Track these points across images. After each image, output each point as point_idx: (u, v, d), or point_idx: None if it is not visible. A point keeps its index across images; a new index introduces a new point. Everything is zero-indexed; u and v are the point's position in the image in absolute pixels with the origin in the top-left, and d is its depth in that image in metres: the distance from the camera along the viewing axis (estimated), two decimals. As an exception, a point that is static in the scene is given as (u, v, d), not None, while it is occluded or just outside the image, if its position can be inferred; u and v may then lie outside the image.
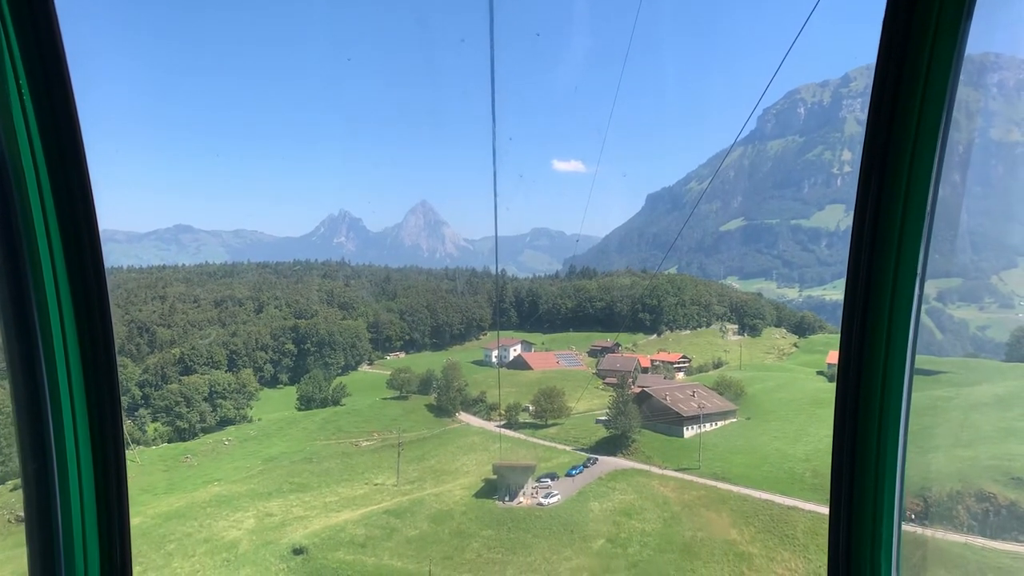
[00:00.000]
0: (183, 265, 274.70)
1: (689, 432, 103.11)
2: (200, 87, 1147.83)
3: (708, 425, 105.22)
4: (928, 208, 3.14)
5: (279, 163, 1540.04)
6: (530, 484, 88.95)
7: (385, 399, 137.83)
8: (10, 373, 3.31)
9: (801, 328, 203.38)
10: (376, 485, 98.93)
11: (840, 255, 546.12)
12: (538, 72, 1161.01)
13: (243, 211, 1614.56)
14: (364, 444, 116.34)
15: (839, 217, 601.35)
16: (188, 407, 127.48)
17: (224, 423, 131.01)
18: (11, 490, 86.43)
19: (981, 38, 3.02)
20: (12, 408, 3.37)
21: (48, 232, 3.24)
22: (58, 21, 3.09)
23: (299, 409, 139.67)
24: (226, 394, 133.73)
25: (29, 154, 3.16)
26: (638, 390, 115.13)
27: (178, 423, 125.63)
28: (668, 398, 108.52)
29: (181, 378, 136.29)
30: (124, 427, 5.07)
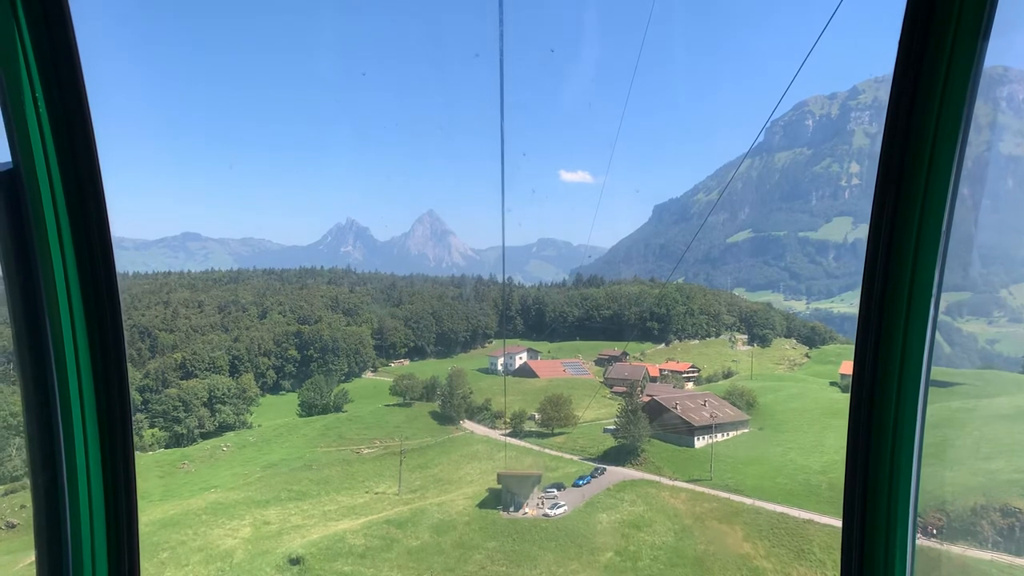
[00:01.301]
0: (188, 272, 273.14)
1: (700, 442, 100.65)
2: (210, 95, 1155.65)
3: (720, 435, 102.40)
4: (944, 225, 3.14)
5: (288, 172, 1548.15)
6: (536, 494, 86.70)
7: (388, 406, 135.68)
8: (21, 380, 3.31)
9: (811, 339, 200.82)
10: (377, 494, 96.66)
11: (847, 268, 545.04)
12: (547, 83, 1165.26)
13: (251, 220, 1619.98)
14: (366, 451, 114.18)
15: (847, 229, 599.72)
16: (186, 412, 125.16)
17: (223, 429, 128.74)
18: (1, 495, 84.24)
19: (997, 51, 3.01)
20: (23, 414, 3.35)
21: (61, 239, 3.27)
22: (73, 28, 3.13)
23: (300, 415, 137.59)
24: (225, 399, 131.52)
25: (43, 161, 3.18)
26: (647, 399, 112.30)
27: (176, 428, 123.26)
28: (678, 407, 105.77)
29: (180, 382, 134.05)
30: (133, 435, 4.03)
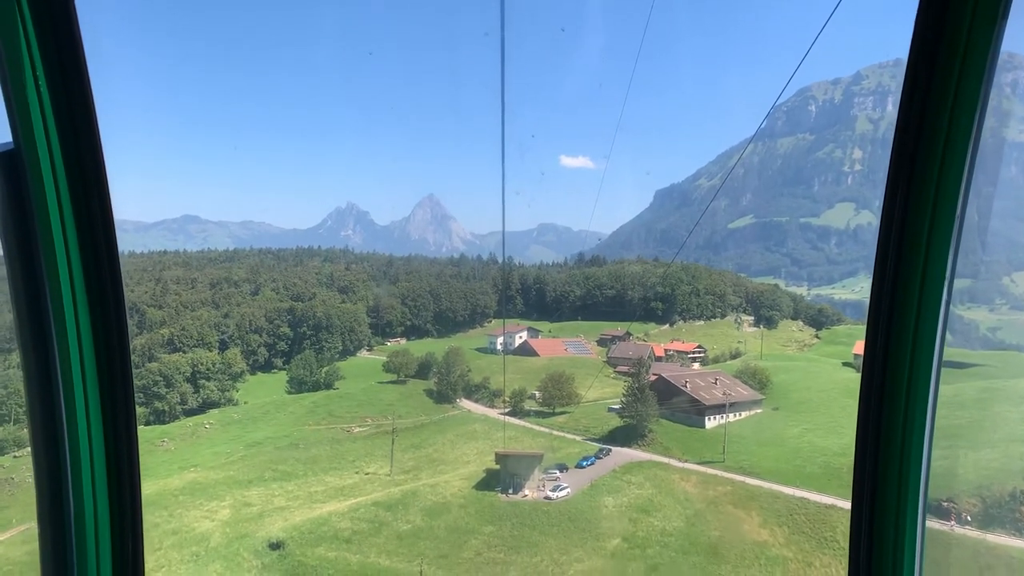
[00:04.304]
0: (184, 251, 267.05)
1: (711, 422, 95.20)
2: (213, 78, 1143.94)
3: (732, 415, 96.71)
4: (959, 209, 3.14)
5: (289, 155, 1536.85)
6: (537, 475, 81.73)
7: (381, 383, 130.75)
8: (24, 363, 3.31)
9: (819, 321, 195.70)
10: (367, 474, 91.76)
11: (849, 254, 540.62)
12: (550, 67, 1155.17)
13: (252, 203, 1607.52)
14: (356, 430, 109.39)
15: (849, 215, 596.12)
16: (168, 387, 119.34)
17: (207, 406, 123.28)
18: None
19: (1010, 35, 2.98)
20: (25, 397, 3.34)
21: (63, 220, 3.26)
22: (75, 8, 3.13)
23: (289, 392, 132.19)
24: (210, 375, 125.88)
25: (45, 141, 3.16)
26: (655, 377, 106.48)
27: (156, 404, 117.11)
28: (688, 385, 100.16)
29: (162, 357, 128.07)
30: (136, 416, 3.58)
